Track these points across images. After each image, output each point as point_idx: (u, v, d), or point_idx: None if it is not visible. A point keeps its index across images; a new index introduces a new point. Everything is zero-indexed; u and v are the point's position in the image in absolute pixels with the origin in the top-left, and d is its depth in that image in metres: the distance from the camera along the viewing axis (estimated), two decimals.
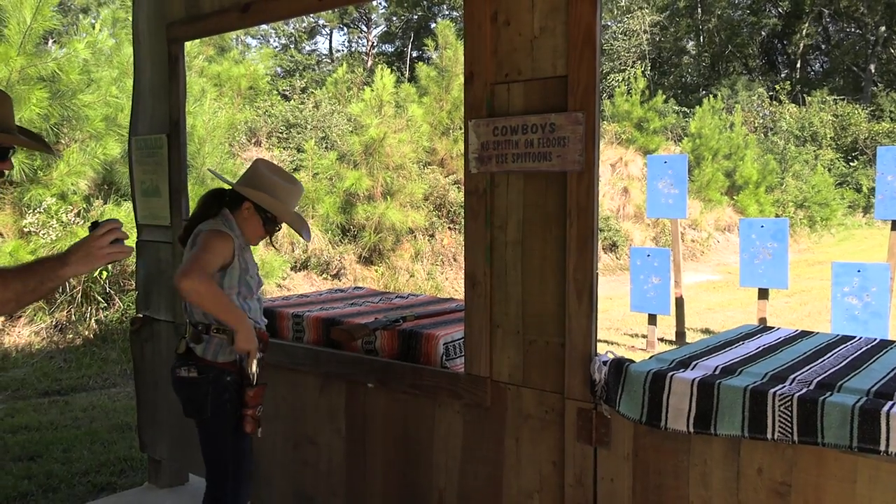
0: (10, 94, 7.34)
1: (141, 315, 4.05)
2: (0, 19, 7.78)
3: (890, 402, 1.88)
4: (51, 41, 11.95)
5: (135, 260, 4.33)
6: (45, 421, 5.48)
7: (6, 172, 2.06)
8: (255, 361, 2.61)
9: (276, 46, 33.01)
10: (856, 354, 2.44)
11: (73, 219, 7.95)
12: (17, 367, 6.99)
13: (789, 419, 1.95)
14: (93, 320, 8.00)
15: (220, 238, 2.61)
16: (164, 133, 3.80)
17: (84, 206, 8.31)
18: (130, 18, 4.21)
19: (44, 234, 7.70)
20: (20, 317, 7.81)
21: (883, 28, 33.33)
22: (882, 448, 1.83)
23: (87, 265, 2.00)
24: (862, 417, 1.85)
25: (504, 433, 2.57)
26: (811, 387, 2.04)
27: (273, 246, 3.14)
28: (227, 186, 2.83)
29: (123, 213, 8.01)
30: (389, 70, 12.58)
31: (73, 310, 7.97)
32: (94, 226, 2.00)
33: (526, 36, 2.44)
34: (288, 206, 2.78)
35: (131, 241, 7.48)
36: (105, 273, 8.08)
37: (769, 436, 1.99)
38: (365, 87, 13.71)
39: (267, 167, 2.80)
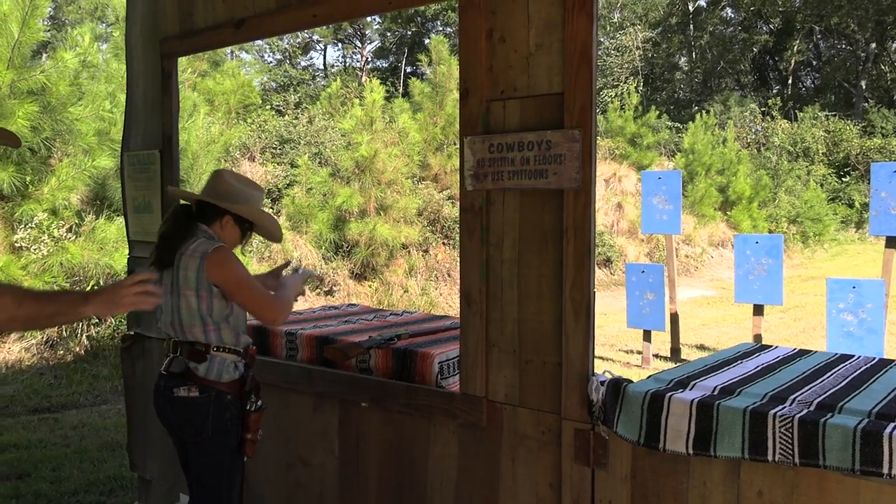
0: (1, 108, 7.32)
1: (132, 332, 4.00)
2: None
3: (892, 424, 1.85)
4: (45, 55, 11.93)
5: (126, 276, 4.28)
6: (35, 439, 5.41)
7: None
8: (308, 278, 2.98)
9: (271, 62, 33.11)
10: (855, 374, 2.41)
11: (64, 234, 7.89)
12: (7, 383, 6.92)
13: (790, 441, 1.92)
14: (84, 336, 7.93)
15: (229, 253, 2.63)
16: (156, 149, 3.77)
17: (76, 221, 8.25)
18: (122, 34, 4.19)
19: (35, 250, 7.64)
20: (10, 332, 7.73)
21: (873, 45, 33.62)
22: (885, 471, 1.80)
23: (108, 308, 2.05)
24: (864, 440, 1.82)
25: (500, 454, 2.54)
26: (811, 408, 2.01)
27: (244, 253, 3.15)
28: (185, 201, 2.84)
29: (115, 228, 7.97)
30: (379, 82, 12.57)
31: (64, 326, 7.89)
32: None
33: (521, 53, 2.42)
34: (263, 212, 2.81)
35: (122, 257, 7.34)
36: (97, 288, 8.01)
37: (770, 458, 1.95)
38: (356, 100, 13.72)
39: (234, 178, 2.78)
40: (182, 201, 2.94)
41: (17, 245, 7.75)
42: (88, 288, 7.96)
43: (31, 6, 7.68)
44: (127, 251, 4.10)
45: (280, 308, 2.63)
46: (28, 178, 7.86)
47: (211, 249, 2.58)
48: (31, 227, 7.77)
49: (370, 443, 2.95)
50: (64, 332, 7.86)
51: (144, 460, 3.99)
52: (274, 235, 2.88)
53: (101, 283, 8.04)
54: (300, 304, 10.13)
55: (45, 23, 8.19)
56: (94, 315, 2.10)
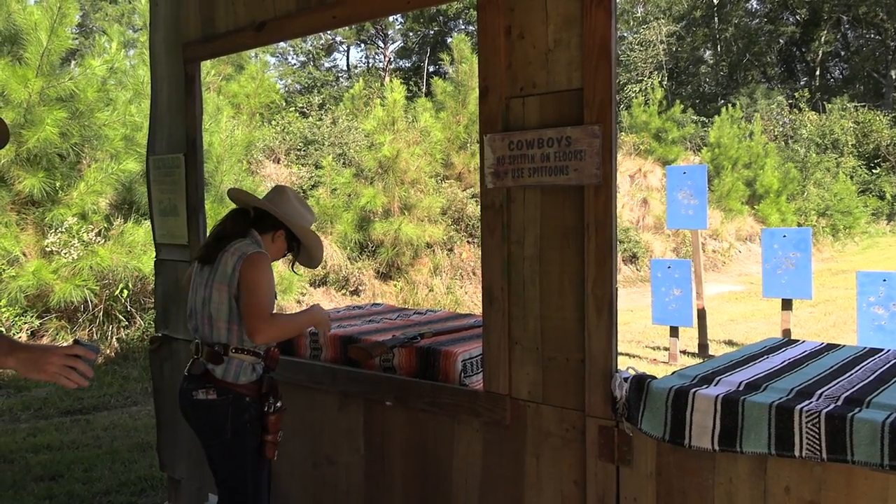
0: (30, 115, 7.47)
1: (160, 334, 4.05)
2: (19, 43, 7.89)
3: None
4: (73, 63, 12.12)
5: (154, 278, 4.34)
6: (67, 440, 5.50)
7: None
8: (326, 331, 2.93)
9: (295, 64, 33.32)
10: (884, 368, 2.37)
11: (93, 238, 8.01)
12: (40, 386, 7.03)
13: (817, 436, 1.90)
14: (114, 339, 8.04)
15: (267, 262, 2.68)
16: (181, 152, 3.81)
17: (105, 225, 8.37)
18: (147, 40, 4.24)
19: (66, 254, 7.76)
20: (43, 335, 7.87)
21: None
22: None
23: (29, 370, 1.91)
24: (893, 434, 1.79)
25: (524, 451, 2.53)
26: (839, 402, 1.98)
27: (294, 271, 3.26)
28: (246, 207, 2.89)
29: (143, 231, 8.07)
30: (400, 82, 12.60)
31: (94, 328, 8.01)
32: (77, 342, 1.93)
33: (540, 49, 2.42)
34: (316, 235, 2.93)
35: (150, 260, 7.47)
36: (126, 291, 8.13)
37: (797, 453, 1.93)
38: (378, 100, 13.77)
39: (295, 197, 2.90)
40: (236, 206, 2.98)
41: (47, 249, 7.88)
42: (117, 291, 8.07)
43: (59, 15, 7.82)
44: (154, 254, 4.16)
45: (269, 328, 2.56)
46: (58, 184, 7.99)
47: (252, 252, 2.65)
48: (62, 232, 7.89)
49: (395, 441, 2.96)
50: (95, 335, 7.98)
51: (174, 461, 4.04)
52: (314, 260, 2.96)
53: (130, 286, 8.15)
54: (325, 306, 10.19)
55: (73, 30, 8.33)
56: (14, 370, 1.93)
